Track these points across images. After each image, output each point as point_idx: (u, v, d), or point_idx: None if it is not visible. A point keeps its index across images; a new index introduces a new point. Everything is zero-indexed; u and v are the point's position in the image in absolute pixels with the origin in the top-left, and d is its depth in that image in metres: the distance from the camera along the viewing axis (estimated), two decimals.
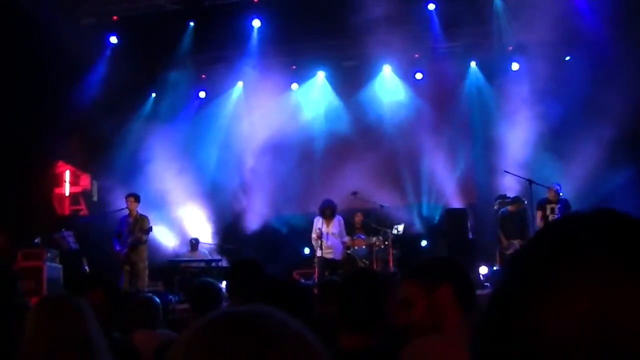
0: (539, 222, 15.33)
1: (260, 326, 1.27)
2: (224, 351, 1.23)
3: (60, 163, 19.45)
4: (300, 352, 1.26)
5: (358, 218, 16.61)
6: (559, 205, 15.27)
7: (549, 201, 15.50)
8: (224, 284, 14.44)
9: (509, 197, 16.78)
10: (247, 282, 5.56)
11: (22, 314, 3.34)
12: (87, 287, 4.87)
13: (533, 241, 0.90)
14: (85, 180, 19.83)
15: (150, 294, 7.53)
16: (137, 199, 15.68)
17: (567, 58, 18.37)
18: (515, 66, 19.02)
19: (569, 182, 16.57)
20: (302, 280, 16.23)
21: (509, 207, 16.05)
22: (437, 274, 3.37)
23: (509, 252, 15.67)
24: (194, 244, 17.82)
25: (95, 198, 19.72)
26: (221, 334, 1.26)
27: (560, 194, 15.44)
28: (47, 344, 3.12)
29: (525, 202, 15.93)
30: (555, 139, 17.41)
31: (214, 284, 6.53)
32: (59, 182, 19.60)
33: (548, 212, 15.40)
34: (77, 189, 19.78)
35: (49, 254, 15.02)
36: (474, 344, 0.86)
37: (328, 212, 15.26)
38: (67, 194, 19.59)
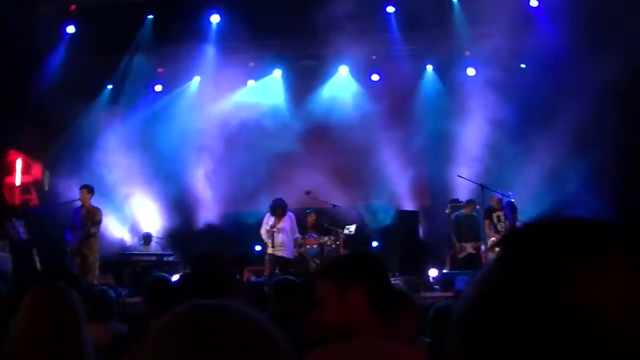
0: (487, 231, 15.51)
1: (228, 318, 1.31)
2: (194, 343, 1.26)
3: (12, 151, 19.25)
4: (266, 344, 1.30)
5: (311, 218, 16.65)
6: (504, 212, 15.45)
7: (493, 209, 15.71)
8: (175, 278, 14.46)
9: (461, 201, 16.93)
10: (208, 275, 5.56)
11: None
12: (53, 279, 4.84)
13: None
14: (37, 170, 19.65)
15: (104, 287, 7.51)
16: (91, 190, 15.57)
17: (523, 65, 18.54)
18: (471, 71, 19.14)
19: (523, 187, 16.74)
20: (253, 278, 16.27)
21: (464, 211, 16.21)
22: (349, 273, 3.24)
23: (461, 255, 15.83)
24: (147, 238, 17.77)
25: (46, 188, 19.53)
26: (191, 326, 1.29)
27: (511, 199, 15.51)
28: (47, 330, 3.10)
29: (478, 207, 16.10)
30: (510, 144, 17.54)
31: (168, 278, 6.52)
32: (10, 170, 19.39)
33: (495, 220, 15.61)
34: (29, 179, 19.59)
35: None
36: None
37: (279, 210, 15.29)
38: (17, 183, 19.38)
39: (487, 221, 15.67)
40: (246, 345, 1.27)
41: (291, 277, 6.80)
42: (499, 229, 15.38)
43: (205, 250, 6.66)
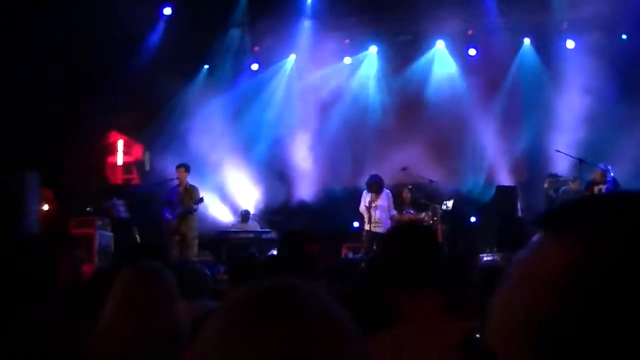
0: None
1: (294, 298, 1.31)
2: (260, 321, 1.27)
3: (114, 133, 19.67)
4: (330, 324, 1.29)
5: (405, 194, 16.56)
6: (606, 186, 15.09)
7: (595, 182, 15.34)
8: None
9: (560, 176, 16.66)
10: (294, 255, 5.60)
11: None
12: (139, 256, 4.91)
13: None
14: (138, 150, 20.04)
15: (197, 264, 7.58)
16: (188, 169, 15.77)
17: (624, 36, 18.10)
18: (570, 44, 18.77)
19: (622, 163, 16.35)
20: (350, 254, 16.31)
21: (572, 185, 15.93)
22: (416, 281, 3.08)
23: None
24: (245, 215, 17.91)
25: (147, 168, 19.87)
26: (257, 305, 1.30)
27: (611, 174, 15.22)
28: (139, 308, 3.15)
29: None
30: (610, 117, 17.17)
31: (255, 256, 6.55)
32: (112, 151, 19.82)
33: (596, 192, 15.26)
34: (130, 159, 20.00)
35: (100, 222, 15.25)
36: None
37: (375, 187, 15.19)
38: (119, 163, 19.79)
39: (587, 193, 15.36)
40: (307, 323, 1.27)
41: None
42: None
43: (292, 230, 6.69)
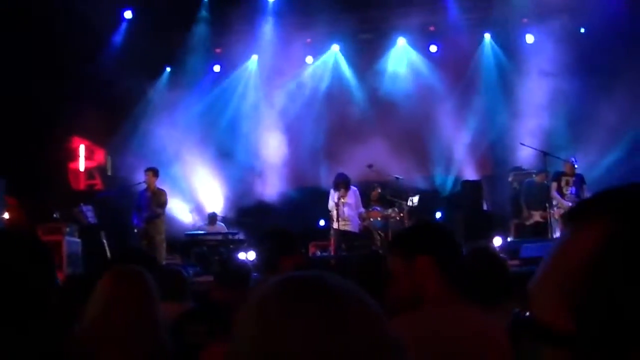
0: (553, 194, 15.34)
1: (326, 288, 1.35)
2: (293, 312, 1.31)
3: (76, 138, 19.52)
4: (362, 311, 1.34)
5: (375, 192, 16.62)
6: (574, 179, 15.28)
7: (564, 174, 15.49)
8: (241, 255, 14.61)
9: (524, 169, 16.82)
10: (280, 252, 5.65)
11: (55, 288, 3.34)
12: (128, 261, 4.90)
13: None
14: (100, 155, 19.91)
15: (179, 267, 7.60)
16: (156, 173, 15.74)
17: (582, 30, 18.33)
18: (530, 38, 18.97)
19: (583, 156, 16.54)
20: (319, 253, 16.37)
21: (536, 178, 16.06)
22: (414, 244, 3.26)
23: (528, 222, 15.71)
24: (212, 217, 17.91)
25: (109, 172, 19.78)
26: (290, 296, 1.34)
27: (576, 167, 15.43)
28: (122, 311, 3.17)
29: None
30: (571, 111, 17.41)
31: (242, 264, 6.63)
32: (74, 156, 19.67)
33: (563, 183, 15.40)
34: (92, 164, 19.87)
35: (68, 229, 15.13)
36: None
37: (342, 185, 15.24)
38: (82, 168, 19.65)
39: (554, 184, 15.48)
40: (340, 306, 1.32)
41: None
42: (565, 192, 15.21)
43: (270, 229, 6.78)
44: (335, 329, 1.29)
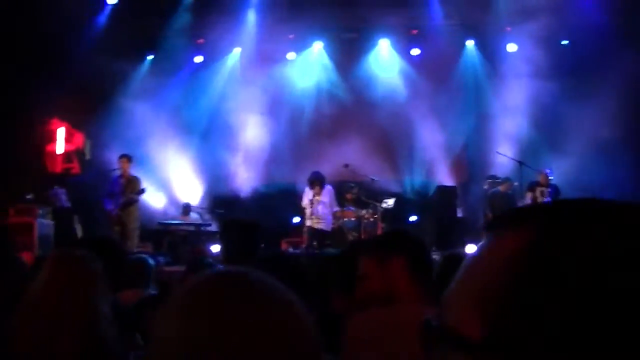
0: (527, 204, 15.38)
1: (246, 283, 1.42)
2: (214, 303, 1.38)
3: (55, 120, 19.42)
4: (282, 308, 1.41)
5: (350, 193, 16.64)
6: (549, 190, 15.37)
7: (539, 184, 15.59)
8: (214, 247, 14.63)
9: (499, 178, 16.90)
10: (243, 244, 5.70)
11: (15, 267, 3.38)
12: (92, 246, 4.91)
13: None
14: (79, 139, 19.80)
15: (143, 255, 7.61)
16: (130, 159, 15.75)
17: (564, 42, 18.43)
18: (512, 47, 19.03)
19: (559, 167, 16.63)
20: (291, 249, 16.38)
21: (500, 187, 16.17)
22: (389, 247, 3.42)
23: None
24: (186, 208, 17.92)
25: (88, 156, 19.71)
26: (212, 289, 1.41)
27: (551, 178, 15.53)
28: (58, 291, 3.19)
29: (515, 184, 16.08)
30: (549, 122, 17.50)
31: (209, 261, 6.71)
32: (52, 139, 19.57)
33: (538, 194, 15.49)
34: (71, 147, 19.75)
35: (40, 211, 15.10)
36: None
37: (316, 183, 15.27)
38: (60, 151, 19.56)
39: (529, 194, 15.57)
40: (264, 308, 1.39)
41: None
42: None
43: (233, 220, 6.85)
44: (254, 321, 1.35)
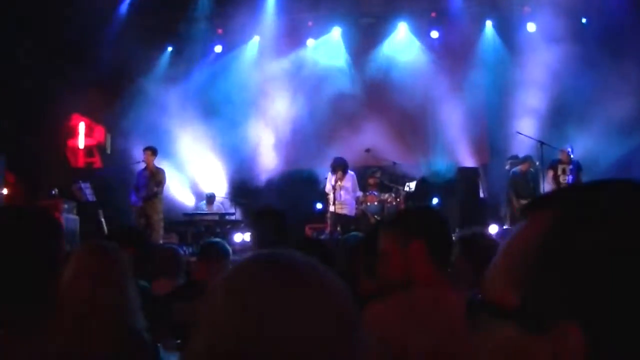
0: (549, 182, 15.33)
1: (291, 265, 1.46)
2: (260, 285, 1.41)
3: (76, 115, 19.52)
4: (326, 290, 1.44)
5: (373, 177, 16.67)
6: (570, 167, 15.29)
7: (560, 162, 15.50)
8: (238, 236, 14.70)
9: (520, 158, 16.88)
10: (274, 232, 5.79)
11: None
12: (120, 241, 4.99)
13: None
14: (100, 133, 19.92)
15: (174, 246, 7.70)
16: (155, 152, 15.81)
17: (584, 20, 18.33)
18: (531, 27, 18.94)
19: (581, 147, 16.56)
20: (315, 235, 16.42)
21: (521, 167, 16.10)
22: (411, 227, 3.38)
23: (519, 212, 15.70)
24: (210, 198, 17.95)
25: (108, 150, 19.80)
26: (258, 271, 1.45)
27: (572, 156, 15.46)
28: (89, 282, 3.25)
29: (537, 163, 16.02)
30: (571, 100, 17.39)
31: (220, 241, 6.82)
32: (74, 134, 19.68)
33: (559, 172, 15.42)
34: (92, 142, 19.87)
35: (66, 206, 15.18)
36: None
37: (339, 169, 15.29)
38: (81, 146, 19.66)
39: (551, 172, 15.48)
40: (305, 286, 1.43)
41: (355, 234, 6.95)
42: (561, 181, 15.21)
43: (262, 209, 6.94)
44: (297, 303, 1.39)
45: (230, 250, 6.80)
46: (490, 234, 11.37)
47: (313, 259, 1.50)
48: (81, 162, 19.74)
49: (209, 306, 1.44)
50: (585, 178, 15.24)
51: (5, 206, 11.11)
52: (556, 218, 1.08)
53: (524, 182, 15.84)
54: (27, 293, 2.72)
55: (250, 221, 7.36)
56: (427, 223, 3.44)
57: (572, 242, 1.03)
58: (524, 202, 15.58)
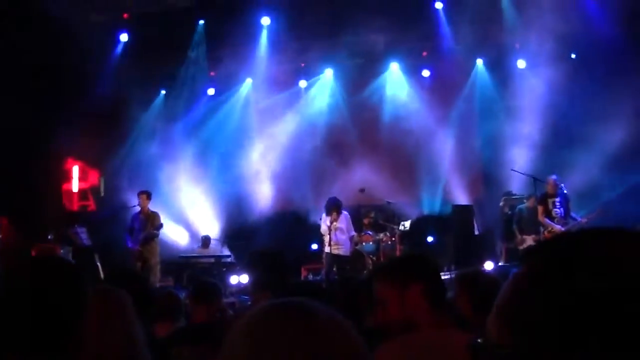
0: (540, 218, 15.31)
1: (309, 313, 1.52)
2: (278, 335, 1.46)
3: (70, 159, 19.54)
4: (343, 336, 1.51)
5: (368, 217, 16.74)
6: (558, 199, 15.19)
7: (548, 195, 15.41)
8: (234, 279, 14.69)
9: (515, 194, 16.90)
10: (276, 274, 5.80)
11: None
12: (119, 281, 4.99)
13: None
14: (94, 176, 19.92)
15: (172, 289, 7.71)
16: (149, 196, 15.84)
17: (573, 56, 18.46)
18: (521, 63, 19.09)
19: (571, 181, 16.56)
20: (311, 276, 16.41)
21: (527, 203, 16.07)
22: (407, 273, 3.46)
23: (521, 247, 15.68)
24: (206, 240, 17.98)
25: (102, 194, 19.81)
26: (275, 320, 1.50)
27: (561, 185, 15.36)
28: (96, 326, 3.26)
29: None
30: (561, 137, 17.46)
31: (212, 281, 6.85)
32: (68, 177, 19.69)
33: (550, 206, 15.37)
34: (86, 185, 19.87)
35: (62, 250, 15.16)
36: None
37: (333, 209, 15.30)
38: (75, 189, 19.67)
39: (540, 207, 15.43)
40: (323, 334, 1.49)
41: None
42: (554, 215, 15.17)
43: (261, 251, 6.95)
44: (316, 349, 1.45)
45: (222, 290, 6.85)
46: (488, 271, 11.41)
47: (332, 310, 1.56)
48: (75, 205, 19.72)
49: (228, 355, 1.49)
50: (578, 208, 15.32)
51: (34, 259, 11.07)
52: (537, 267, 1.21)
53: (530, 218, 15.83)
54: (55, 344, 2.74)
55: (249, 262, 7.40)
56: (422, 267, 3.53)
57: (551, 289, 1.15)
58: (527, 237, 15.61)
